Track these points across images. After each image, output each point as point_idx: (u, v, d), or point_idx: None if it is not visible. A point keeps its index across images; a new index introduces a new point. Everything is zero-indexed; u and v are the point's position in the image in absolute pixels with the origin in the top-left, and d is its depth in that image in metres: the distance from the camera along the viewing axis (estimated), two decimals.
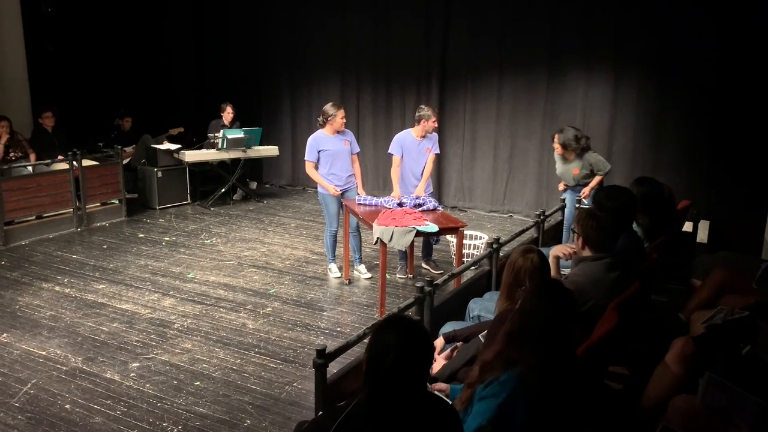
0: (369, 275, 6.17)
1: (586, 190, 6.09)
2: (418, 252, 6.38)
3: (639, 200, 4.02)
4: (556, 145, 6.14)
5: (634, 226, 4.03)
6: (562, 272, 3.77)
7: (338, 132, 5.97)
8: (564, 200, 5.88)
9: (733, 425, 2.41)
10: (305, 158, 6.00)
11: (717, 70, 7.00)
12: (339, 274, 6.17)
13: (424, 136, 6.03)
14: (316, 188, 6.17)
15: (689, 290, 4.45)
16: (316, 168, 5.99)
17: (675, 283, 4.55)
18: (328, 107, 5.95)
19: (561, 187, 6.45)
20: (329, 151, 5.93)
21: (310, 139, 6.01)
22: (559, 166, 6.31)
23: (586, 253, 3.40)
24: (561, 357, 2.44)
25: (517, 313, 2.50)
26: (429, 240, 6.21)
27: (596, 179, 6.07)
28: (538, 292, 2.48)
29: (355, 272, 6.23)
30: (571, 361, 2.56)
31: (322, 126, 5.98)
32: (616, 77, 7.72)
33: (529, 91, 8.29)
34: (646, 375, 3.03)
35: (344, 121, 5.97)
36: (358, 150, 6.20)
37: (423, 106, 6.08)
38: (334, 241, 6.16)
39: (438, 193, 9.23)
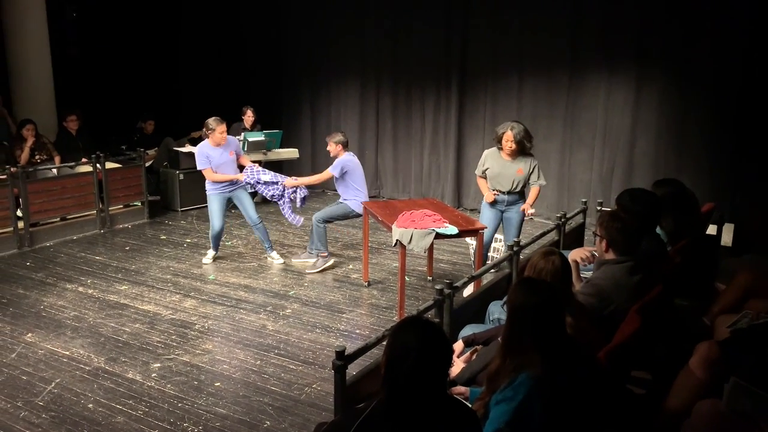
0: (281, 261, 6.65)
1: (529, 201, 5.44)
2: (438, 254, 6.35)
3: (663, 202, 3.97)
4: (509, 143, 5.36)
5: (658, 229, 3.98)
6: (582, 275, 3.73)
7: (220, 145, 6.27)
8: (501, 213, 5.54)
9: (758, 430, 2.36)
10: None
11: (741, 69, 6.89)
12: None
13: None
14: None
15: (713, 294, 4.38)
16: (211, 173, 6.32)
17: (699, 287, 4.47)
18: (211, 121, 6.23)
19: (491, 197, 5.54)
20: (216, 161, 6.27)
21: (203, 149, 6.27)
22: (498, 167, 5.52)
23: (609, 255, 3.36)
24: (569, 351, 2.41)
25: (507, 318, 2.49)
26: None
27: (536, 190, 5.51)
28: (520, 288, 2.48)
29: (269, 259, 6.70)
30: (590, 364, 2.53)
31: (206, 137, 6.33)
32: (638, 78, 7.63)
33: (550, 93, 8.22)
34: (669, 380, 2.98)
35: (224, 135, 6.26)
36: (242, 153, 6.71)
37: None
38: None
39: (458, 195, 9.20)
